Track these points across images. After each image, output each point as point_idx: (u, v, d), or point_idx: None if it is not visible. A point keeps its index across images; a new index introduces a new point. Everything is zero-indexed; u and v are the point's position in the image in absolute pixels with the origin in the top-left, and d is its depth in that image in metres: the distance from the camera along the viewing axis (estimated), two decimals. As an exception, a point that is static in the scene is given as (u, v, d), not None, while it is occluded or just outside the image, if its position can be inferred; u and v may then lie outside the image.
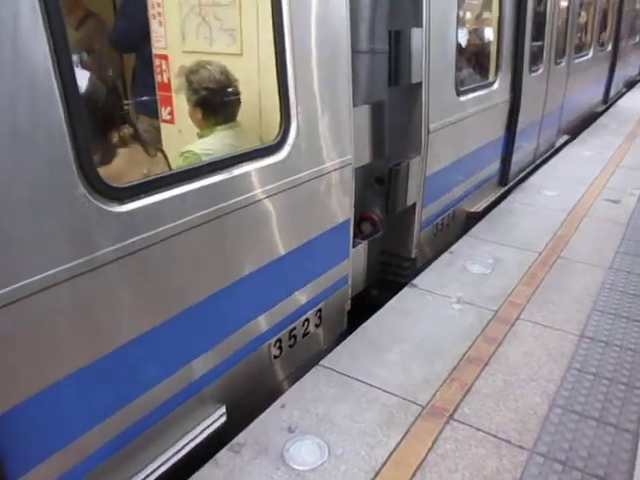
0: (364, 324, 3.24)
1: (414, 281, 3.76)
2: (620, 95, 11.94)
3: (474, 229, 4.65)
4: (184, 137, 3.08)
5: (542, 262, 4.09)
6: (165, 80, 3.18)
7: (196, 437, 2.29)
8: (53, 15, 1.51)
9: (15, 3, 1.43)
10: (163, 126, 3.27)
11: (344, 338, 3.16)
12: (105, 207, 1.74)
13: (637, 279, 3.85)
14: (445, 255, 4.17)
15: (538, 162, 6.58)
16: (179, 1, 2.96)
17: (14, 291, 1.53)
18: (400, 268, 3.96)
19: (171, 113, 3.21)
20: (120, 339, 1.91)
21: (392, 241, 3.91)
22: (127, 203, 1.81)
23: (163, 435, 2.18)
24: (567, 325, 3.29)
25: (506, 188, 5.57)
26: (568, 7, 6.69)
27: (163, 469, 2.14)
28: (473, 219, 4.87)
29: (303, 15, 2.44)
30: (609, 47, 9.73)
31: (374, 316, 3.32)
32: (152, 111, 3.31)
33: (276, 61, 2.38)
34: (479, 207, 4.99)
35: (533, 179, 5.99)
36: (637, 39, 13.34)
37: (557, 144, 7.33)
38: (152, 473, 2.10)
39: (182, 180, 2.01)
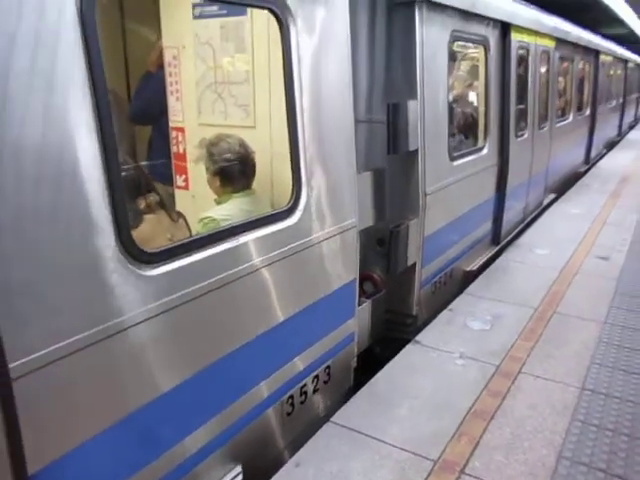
0: (372, 380, 3.32)
1: (417, 338, 3.87)
2: (601, 156, 12.55)
3: (471, 287, 4.81)
4: (197, 202, 3.28)
5: (539, 317, 4.23)
6: (181, 150, 3.41)
7: None
8: (102, 109, 1.72)
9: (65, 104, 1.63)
10: (177, 192, 3.46)
11: (351, 394, 3.24)
12: (139, 271, 1.88)
13: (632, 333, 3.98)
14: (445, 312, 4.30)
15: (528, 220, 6.87)
16: (196, 80, 3.22)
17: (60, 349, 1.65)
18: (403, 325, 4.10)
19: (186, 180, 3.42)
20: (143, 398, 1.98)
21: (394, 299, 4.07)
22: (159, 267, 1.95)
23: None
24: (568, 378, 3.39)
25: (499, 247, 5.80)
26: (548, 75, 7.20)
27: None
28: (469, 277, 5.06)
29: (312, 91, 2.66)
30: (587, 111, 10.35)
31: (381, 372, 3.41)
32: (167, 178, 3.50)
33: (289, 134, 2.59)
34: (474, 266, 5.19)
35: (525, 238, 6.21)
36: (613, 103, 14.10)
37: (544, 203, 7.69)
38: None
39: (207, 244, 2.15)
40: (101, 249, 1.76)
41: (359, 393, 3.21)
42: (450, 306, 4.41)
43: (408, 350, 3.70)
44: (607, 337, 3.92)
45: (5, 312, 1.50)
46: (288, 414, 2.83)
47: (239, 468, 2.46)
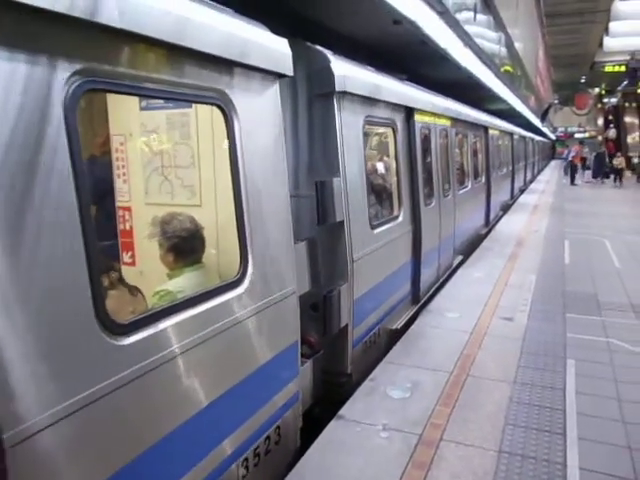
0: (298, 465, 3.24)
1: (341, 412, 3.86)
2: (499, 218, 13.69)
3: (390, 354, 4.92)
4: (145, 277, 3.39)
5: (454, 382, 4.39)
6: (127, 228, 3.58)
7: None
8: (84, 204, 1.92)
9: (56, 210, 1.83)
10: (124, 268, 3.54)
11: (298, 457, 3.36)
12: (112, 341, 2.00)
13: (540, 391, 4.22)
14: (366, 383, 4.35)
15: (442, 280, 7.39)
16: (142, 163, 3.45)
17: (42, 420, 1.72)
18: (339, 385, 4.32)
19: (132, 257, 3.53)
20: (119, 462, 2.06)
21: (329, 360, 4.26)
22: (129, 336, 2.08)
23: None
24: (485, 442, 3.51)
25: (419, 305, 6.21)
26: (447, 149, 7.92)
27: None
28: (395, 335, 5.41)
29: (253, 171, 2.92)
30: (483, 179, 11.44)
31: (306, 455, 3.35)
32: (112, 256, 3.55)
33: (235, 211, 2.82)
34: (399, 324, 5.58)
35: (435, 302, 6.50)
36: (504, 171, 15.51)
37: (454, 263, 8.27)
38: None
39: (169, 314, 2.31)
40: (82, 324, 1.89)
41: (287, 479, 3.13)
42: (371, 376, 4.47)
43: (332, 427, 3.68)
44: (517, 397, 4.13)
45: None
46: (243, 477, 2.84)
47: None
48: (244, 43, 2.78)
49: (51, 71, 1.80)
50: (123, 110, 3.47)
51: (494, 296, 6.76)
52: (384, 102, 5.10)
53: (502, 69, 13.79)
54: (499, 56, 13.71)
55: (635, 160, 30.45)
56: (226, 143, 2.82)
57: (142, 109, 3.37)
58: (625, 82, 29.71)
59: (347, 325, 4.21)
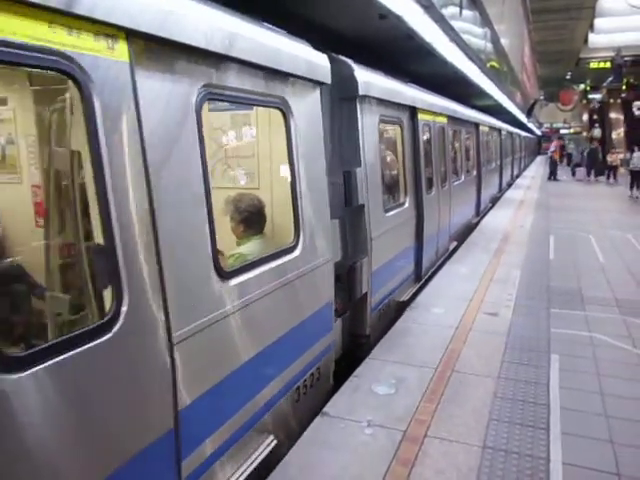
0: (282, 462, 3.22)
1: (325, 409, 3.85)
2: (488, 210, 14.31)
3: (375, 350, 4.92)
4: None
5: (439, 377, 4.39)
6: None
7: (263, 451, 3.14)
8: (207, 181, 2.71)
9: None
10: None
11: (333, 391, 4.18)
12: (223, 283, 2.77)
13: (524, 386, 4.24)
14: (351, 379, 4.34)
15: (439, 262, 8.18)
16: (209, 155, 3.84)
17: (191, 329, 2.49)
18: (359, 345, 5.13)
19: None
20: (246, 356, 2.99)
21: (352, 323, 5.05)
22: (231, 280, 2.84)
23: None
24: (470, 438, 3.51)
25: (421, 283, 7.01)
26: (444, 145, 8.56)
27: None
28: (402, 307, 6.19)
29: (304, 161, 3.63)
30: (474, 173, 12.15)
31: (291, 452, 3.33)
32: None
33: (291, 192, 3.56)
34: (406, 297, 6.42)
35: (421, 298, 6.51)
36: (493, 165, 15.86)
37: (450, 248, 8.99)
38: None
39: (252, 268, 3.07)
40: (206, 271, 2.67)
41: (273, 475, 3.11)
42: (355, 372, 4.46)
43: (317, 424, 3.67)
44: (502, 392, 4.14)
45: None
46: (296, 401, 3.66)
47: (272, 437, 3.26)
48: (297, 59, 3.54)
49: (191, 84, 2.56)
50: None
51: (479, 291, 6.79)
52: (394, 103, 5.87)
53: (488, 65, 13.83)
54: (485, 52, 13.75)
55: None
56: (280, 138, 3.56)
57: (210, 110, 3.94)
58: (610, 78, 29.97)
59: (366, 293, 4.98)
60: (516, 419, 3.76)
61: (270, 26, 3.38)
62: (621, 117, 34.33)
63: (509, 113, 21.90)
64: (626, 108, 32.26)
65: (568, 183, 24.38)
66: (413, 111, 6.61)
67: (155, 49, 2.30)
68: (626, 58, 26.50)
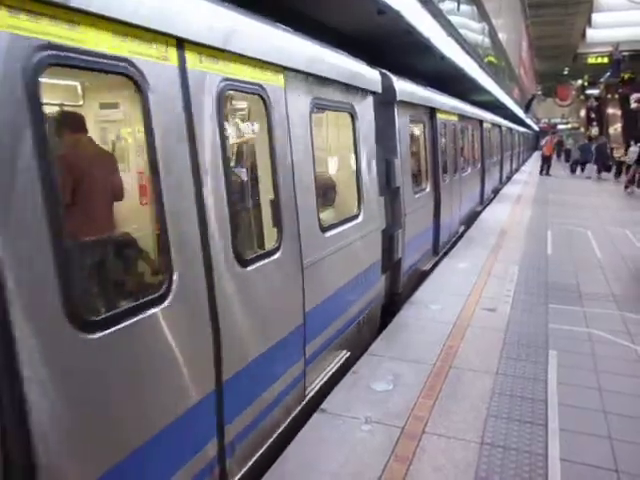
0: (281, 458, 3.22)
1: (323, 405, 3.84)
2: (490, 200, 15.21)
3: (373, 346, 4.91)
4: None
5: (437, 373, 4.39)
6: None
7: (342, 357, 4.45)
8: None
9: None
10: None
11: (380, 329, 5.41)
12: (323, 234, 4.05)
13: (522, 382, 4.24)
14: (349, 375, 4.33)
15: (453, 240, 9.50)
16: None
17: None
18: (394, 299, 6.23)
19: None
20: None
21: (389, 282, 6.10)
22: (326, 234, 4.14)
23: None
24: (468, 434, 3.51)
25: (438, 257, 8.28)
26: (455, 140, 9.65)
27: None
28: (423, 275, 7.34)
29: (364, 152, 4.88)
30: (479, 165, 12.92)
31: (289, 447, 3.32)
32: None
33: (356, 175, 4.80)
34: (427, 267, 7.66)
35: (419, 294, 6.50)
36: (495, 159, 16.54)
37: (460, 230, 10.22)
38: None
39: (335, 227, 4.26)
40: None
41: (269, 473, 3.10)
42: (353, 368, 4.45)
43: (315, 420, 3.65)
44: (500, 388, 4.14)
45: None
46: (359, 331, 4.91)
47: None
48: (361, 76, 4.82)
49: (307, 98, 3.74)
50: None
51: (477, 287, 6.78)
52: (420, 105, 7.06)
53: (486, 59, 13.80)
54: (482, 46, 13.74)
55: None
56: (346, 134, 4.78)
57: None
58: (608, 74, 29.91)
59: (400, 259, 6.08)
60: (514, 415, 3.76)
61: (340, 51, 4.47)
62: (618, 112, 34.33)
63: (507, 108, 21.90)
64: (623, 103, 32.25)
65: (564, 179, 24.28)
66: (432, 111, 7.79)
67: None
68: (624, 53, 26.45)
